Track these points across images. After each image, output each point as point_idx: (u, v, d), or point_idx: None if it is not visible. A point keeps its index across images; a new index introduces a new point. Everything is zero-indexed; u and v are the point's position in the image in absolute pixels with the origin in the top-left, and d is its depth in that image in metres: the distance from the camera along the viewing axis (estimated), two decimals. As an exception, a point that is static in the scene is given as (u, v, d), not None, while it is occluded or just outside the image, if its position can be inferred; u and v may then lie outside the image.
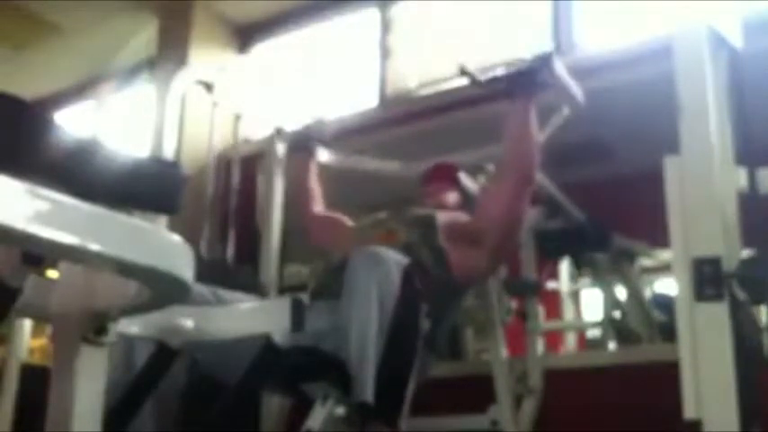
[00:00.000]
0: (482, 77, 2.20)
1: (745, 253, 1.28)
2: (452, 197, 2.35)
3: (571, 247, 2.85)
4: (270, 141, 2.64)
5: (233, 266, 2.92)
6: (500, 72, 2.17)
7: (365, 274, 1.65)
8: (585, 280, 3.82)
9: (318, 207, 2.44)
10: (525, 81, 2.09)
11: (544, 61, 2.12)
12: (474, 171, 2.46)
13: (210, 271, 2.76)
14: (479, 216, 2.12)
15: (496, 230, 2.04)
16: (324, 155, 2.55)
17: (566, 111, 2.36)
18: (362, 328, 1.59)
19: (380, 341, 1.59)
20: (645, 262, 3.45)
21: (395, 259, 1.70)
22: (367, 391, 1.54)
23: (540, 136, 2.13)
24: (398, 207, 2.25)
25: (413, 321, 1.69)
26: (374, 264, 1.66)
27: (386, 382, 1.57)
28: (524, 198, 2.07)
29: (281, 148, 2.60)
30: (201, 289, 1.82)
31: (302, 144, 2.52)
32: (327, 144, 2.55)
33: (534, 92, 2.09)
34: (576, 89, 2.29)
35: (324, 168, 2.54)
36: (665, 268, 3.43)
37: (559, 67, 2.16)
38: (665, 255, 3.19)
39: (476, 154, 2.52)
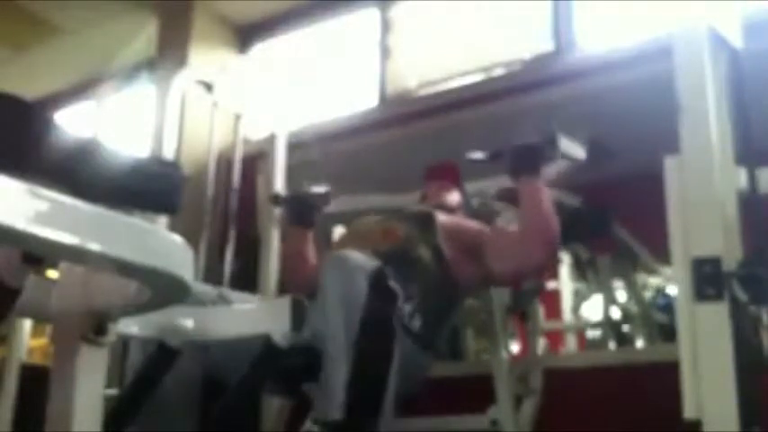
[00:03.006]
0: (483, 158, 2.19)
1: (745, 253, 1.28)
2: (453, 197, 2.35)
3: (570, 234, 2.83)
4: (270, 141, 2.64)
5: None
6: (504, 148, 2.15)
7: (330, 282, 1.63)
8: (585, 280, 3.82)
9: (312, 261, 2.37)
10: (531, 161, 2.07)
11: (548, 140, 2.10)
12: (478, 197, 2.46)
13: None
14: (487, 247, 2.07)
15: (506, 275, 2.07)
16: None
17: (567, 163, 2.35)
18: (330, 342, 1.58)
19: (348, 351, 1.55)
20: (650, 281, 3.46)
21: (359, 264, 1.65)
22: (335, 407, 1.52)
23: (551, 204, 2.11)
24: (397, 209, 2.25)
25: (384, 327, 1.64)
26: (337, 271, 1.63)
27: (356, 391, 1.54)
28: (544, 263, 2.12)
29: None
30: (206, 288, 1.82)
31: (299, 214, 2.43)
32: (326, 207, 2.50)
33: (540, 169, 2.08)
34: (578, 150, 2.28)
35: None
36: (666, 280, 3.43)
37: (564, 142, 2.14)
38: (667, 272, 3.19)
39: (476, 185, 2.49)
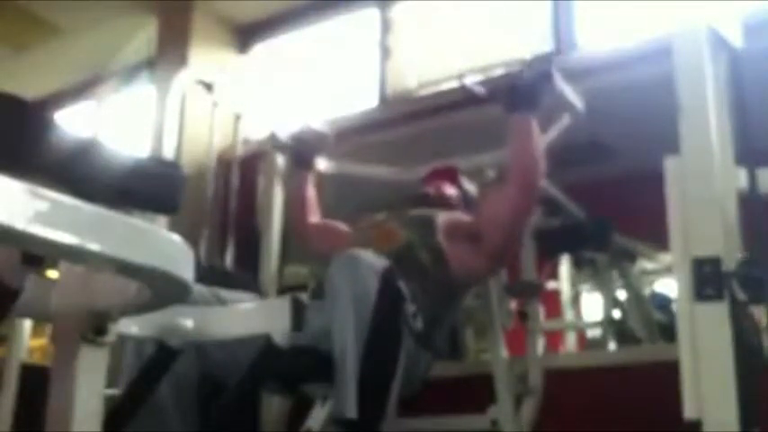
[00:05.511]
0: (481, 90, 2.18)
1: (745, 253, 1.28)
2: (452, 191, 2.36)
3: (571, 244, 2.84)
4: (270, 141, 2.63)
5: (232, 272, 2.91)
6: (500, 83, 2.14)
7: (340, 281, 1.63)
8: (585, 280, 3.82)
9: (315, 218, 2.38)
10: (526, 95, 2.07)
11: (544, 75, 2.10)
12: (473, 175, 2.46)
13: (210, 277, 2.76)
14: (481, 221, 2.12)
15: (499, 238, 2.04)
16: (322, 163, 2.50)
17: (566, 118, 2.35)
18: (340, 340, 1.58)
19: (359, 350, 1.57)
20: (647, 265, 3.46)
21: (370, 264, 1.66)
22: (349, 405, 1.53)
23: (542, 144, 2.12)
24: (398, 208, 2.25)
25: (393, 327, 1.65)
26: (348, 270, 1.64)
27: (367, 390, 1.56)
28: (529, 208, 2.08)
29: (279, 159, 2.54)
30: (201, 289, 1.82)
31: (300, 156, 2.43)
32: (326, 153, 2.49)
33: (535, 106, 2.07)
34: (575, 97, 2.28)
35: (322, 174, 2.51)
36: (665, 270, 3.44)
37: (559, 79, 2.14)
38: (666, 258, 3.20)
39: (475, 159, 2.51)
